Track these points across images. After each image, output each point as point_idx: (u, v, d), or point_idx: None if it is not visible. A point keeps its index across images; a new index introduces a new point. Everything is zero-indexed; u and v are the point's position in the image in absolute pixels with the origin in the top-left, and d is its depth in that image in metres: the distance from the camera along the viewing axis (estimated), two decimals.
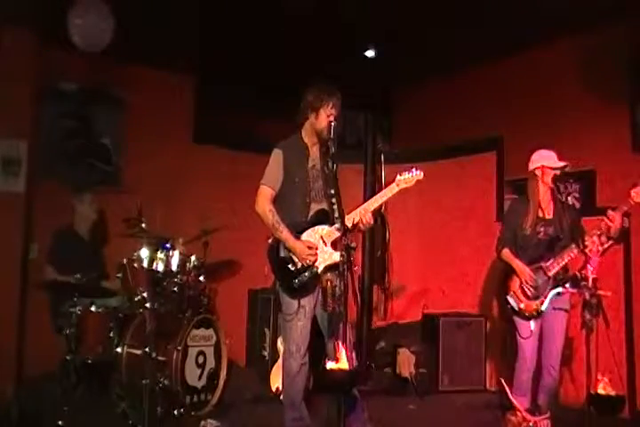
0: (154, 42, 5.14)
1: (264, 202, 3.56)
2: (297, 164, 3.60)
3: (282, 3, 4.70)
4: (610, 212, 3.89)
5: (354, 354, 3.53)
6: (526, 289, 4.11)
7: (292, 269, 3.52)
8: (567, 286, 3.99)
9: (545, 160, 4.17)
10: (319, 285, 3.52)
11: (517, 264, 4.16)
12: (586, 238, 3.90)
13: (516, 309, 4.12)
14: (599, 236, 3.88)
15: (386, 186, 3.74)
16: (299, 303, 3.48)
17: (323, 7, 4.81)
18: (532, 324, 4.09)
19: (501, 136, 5.73)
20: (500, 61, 5.74)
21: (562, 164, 4.12)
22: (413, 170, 3.62)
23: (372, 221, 3.57)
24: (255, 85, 5.95)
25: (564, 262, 4.07)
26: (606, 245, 3.88)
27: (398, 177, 3.61)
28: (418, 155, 6.09)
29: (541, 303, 4.07)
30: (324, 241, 3.53)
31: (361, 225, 3.53)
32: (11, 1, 4.42)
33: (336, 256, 3.43)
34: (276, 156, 3.61)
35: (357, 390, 3.58)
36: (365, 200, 5.41)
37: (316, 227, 3.55)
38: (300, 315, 3.49)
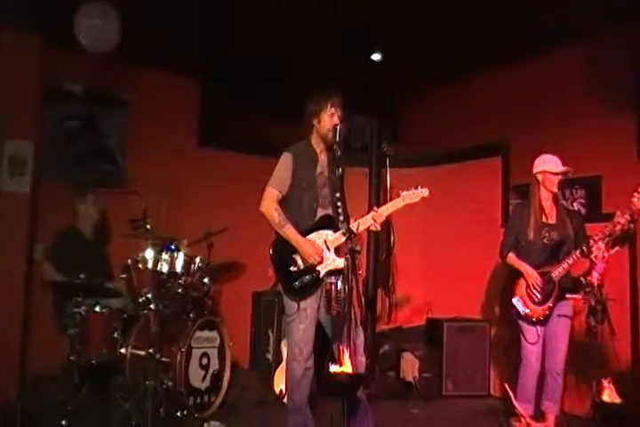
0: (159, 43, 5.15)
1: (269, 202, 3.56)
2: (305, 169, 3.60)
3: (284, 4, 4.71)
4: (618, 212, 3.90)
5: (364, 358, 3.53)
6: (532, 294, 4.11)
7: (294, 270, 3.52)
8: (573, 292, 3.98)
9: (547, 165, 4.18)
10: (321, 288, 3.52)
11: (525, 268, 4.15)
12: (590, 243, 3.90)
13: (523, 313, 4.12)
14: (603, 240, 3.88)
15: (391, 189, 3.75)
16: (298, 305, 3.48)
17: (327, 9, 4.82)
18: (539, 328, 4.09)
19: (507, 141, 5.73)
20: (507, 66, 5.73)
21: (563, 169, 4.12)
22: (419, 187, 3.62)
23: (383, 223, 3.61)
24: (260, 89, 5.96)
25: (567, 267, 4.07)
26: (612, 251, 3.88)
27: (404, 193, 3.62)
28: (423, 159, 6.12)
29: (548, 309, 4.07)
30: (327, 246, 3.53)
31: (372, 227, 3.55)
32: (16, 2, 4.43)
33: (339, 262, 3.46)
34: (285, 159, 3.61)
35: (364, 395, 3.58)
36: (370, 203, 5.51)
37: (321, 231, 3.56)
38: (301, 317, 3.49)
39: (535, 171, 4.22)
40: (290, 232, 3.50)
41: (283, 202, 3.60)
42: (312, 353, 3.53)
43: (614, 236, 3.91)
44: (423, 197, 3.62)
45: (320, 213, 3.59)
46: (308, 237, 3.53)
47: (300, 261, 3.52)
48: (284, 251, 3.53)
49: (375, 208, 3.62)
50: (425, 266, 6.16)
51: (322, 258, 3.50)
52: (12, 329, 4.59)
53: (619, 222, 3.87)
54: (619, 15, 4.65)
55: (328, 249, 3.53)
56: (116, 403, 4.08)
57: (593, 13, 4.66)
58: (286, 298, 3.56)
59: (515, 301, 4.16)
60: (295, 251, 3.51)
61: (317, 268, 3.51)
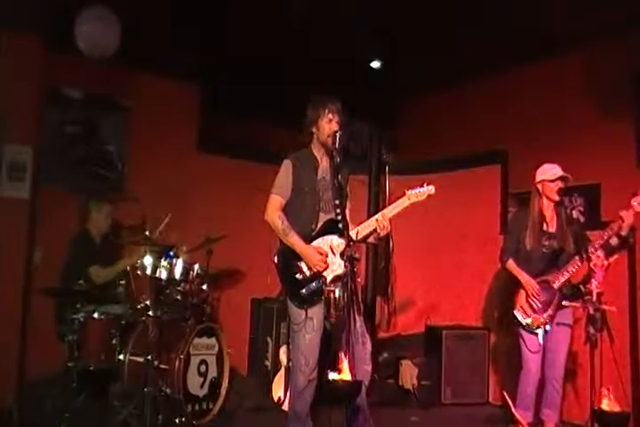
0: (159, 49, 5.16)
1: (273, 210, 3.58)
2: (306, 174, 3.62)
3: (284, 12, 4.72)
4: (622, 212, 3.91)
5: (370, 367, 3.51)
6: (533, 303, 4.10)
7: (300, 278, 3.51)
8: (572, 300, 3.97)
9: (545, 174, 4.20)
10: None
11: (523, 276, 4.16)
12: (590, 250, 3.90)
13: (524, 323, 4.12)
14: (602, 246, 3.89)
15: (390, 197, 3.74)
16: (306, 313, 3.47)
17: (326, 17, 4.83)
18: (540, 337, 4.09)
19: (506, 149, 5.74)
20: (506, 74, 5.75)
21: (559, 174, 4.13)
22: (425, 184, 3.61)
23: (389, 227, 3.57)
24: (260, 94, 5.97)
25: (568, 275, 4.07)
26: (611, 260, 3.88)
27: (410, 191, 3.61)
28: (422, 166, 6.10)
29: (549, 317, 4.07)
30: (333, 251, 3.52)
31: (379, 230, 3.54)
32: (17, 7, 4.44)
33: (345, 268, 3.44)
34: (286, 166, 3.64)
35: (366, 403, 3.56)
36: (370, 210, 5.50)
37: (326, 237, 3.56)
38: (308, 327, 3.47)
39: (535, 181, 4.24)
40: (294, 240, 3.50)
41: (285, 207, 3.61)
42: (317, 364, 3.51)
43: (613, 238, 3.93)
44: (429, 195, 3.62)
45: (322, 217, 3.60)
46: (313, 242, 3.53)
47: (305, 269, 3.51)
48: (290, 259, 3.53)
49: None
50: (424, 273, 6.14)
51: (327, 264, 3.49)
52: (11, 335, 4.57)
53: (617, 226, 3.90)
54: (617, 24, 4.68)
55: (334, 254, 3.52)
56: (114, 410, 4.06)
57: (591, 22, 4.69)
58: (292, 306, 3.54)
59: (516, 311, 4.16)
60: (300, 258, 3.51)
61: (324, 273, 3.50)
